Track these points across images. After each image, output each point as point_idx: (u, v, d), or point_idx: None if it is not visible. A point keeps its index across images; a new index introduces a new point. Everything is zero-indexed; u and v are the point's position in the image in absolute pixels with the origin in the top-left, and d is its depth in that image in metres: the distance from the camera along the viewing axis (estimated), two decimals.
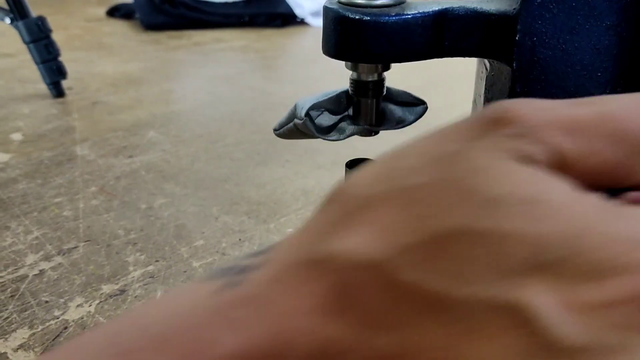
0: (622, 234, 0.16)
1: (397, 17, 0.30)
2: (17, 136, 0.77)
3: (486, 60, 0.35)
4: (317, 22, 1.69)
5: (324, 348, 0.17)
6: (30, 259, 0.51)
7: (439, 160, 0.18)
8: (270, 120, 0.89)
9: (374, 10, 0.30)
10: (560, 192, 0.17)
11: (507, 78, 0.31)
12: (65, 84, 0.95)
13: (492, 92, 0.34)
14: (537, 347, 0.16)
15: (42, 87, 0.94)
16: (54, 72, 0.92)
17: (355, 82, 0.33)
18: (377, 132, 0.35)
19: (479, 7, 0.31)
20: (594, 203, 0.17)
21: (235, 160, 0.68)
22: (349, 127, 0.35)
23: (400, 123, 0.34)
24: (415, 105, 0.35)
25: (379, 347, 0.17)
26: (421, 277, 0.17)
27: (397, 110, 0.35)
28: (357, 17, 0.29)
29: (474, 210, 0.17)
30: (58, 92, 0.94)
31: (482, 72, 0.37)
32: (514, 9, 0.30)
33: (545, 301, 0.15)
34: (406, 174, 0.18)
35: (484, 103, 0.35)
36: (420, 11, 0.30)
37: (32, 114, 0.86)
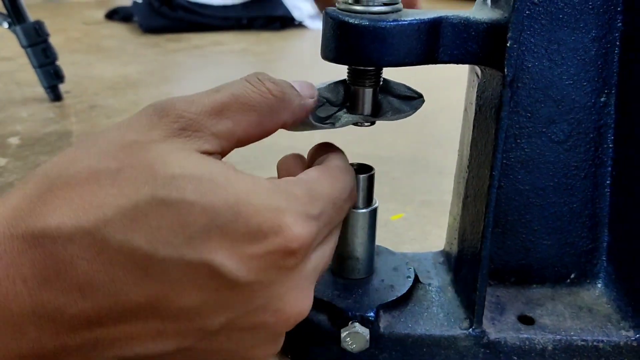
0: (266, 204, 0.23)
1: (394, 23, 0.30)
2: (14, 140, 0.78)
3: (478, 68, 0.35)
4: (316, 25, 1.69)
5: (36, 310, 0.21)
6: None
7: (124, 147, 0.23)
8: None
9: (373, 16, 0.30)
10: (222, 171, 0.23)
11: (498, 85, 0.32)
12: (63, 87, 0.95)
13: (483, 99, 0.35)
14: (223, 287, 0.23)
15: (40, 90, 0.95)
16: (51, 76, 0.92)
17: (352, 71, 0.34)
18: (373, 123, 0.35)
19: (472, 16, 0.32)
20: (247, 180, 0.24)
21: (235, 165, 0.68)
22: (344, 116, 0.35)
23: (397, 114, 0.34)
24: (412, 98, 0.35)
25: (90, 306, 0.22)
26: (128, 240, 0.21)
27: (394, 102, 0.35)
28: (356, 22, 0.30)
29: (162, 185, 0.22)
30: (55, 95, 0.94)
31: (473, 81, 0.37)
32: (505, 17, 0.30)
33: (222, 255, 0.22)
34: (99, 158, 0.23)
35: (476, 111, 0.36)
36: (417, 18, 0.31)
37: (30, 117, 0.86)
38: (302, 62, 1.33)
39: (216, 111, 0.25)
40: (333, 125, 0.34)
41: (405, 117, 0.35)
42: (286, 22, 1.65)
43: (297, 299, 0.26)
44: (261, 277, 0.23)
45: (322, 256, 0.28)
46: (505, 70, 0.31)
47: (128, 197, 0.22)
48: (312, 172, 0.28)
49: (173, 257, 0.22)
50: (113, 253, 0.22)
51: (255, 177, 0.25)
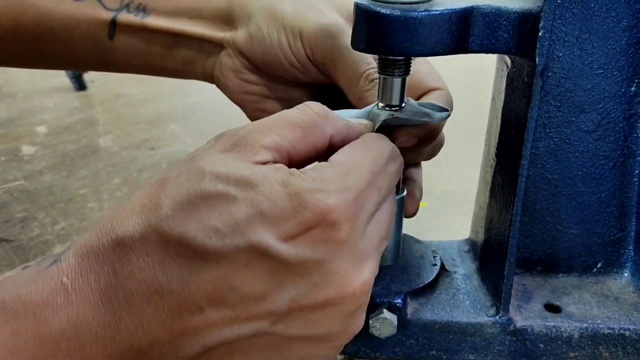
0: (298, 189, 0.25)
1: (425, 13, 0.30)
2: (42, 129, 0.79)
3: (507, 58, 0.36)
4: None
5: (99, 330, 0.25)
6: (58, 249, 0.52)
7: (186, 161, 0.27)
8: None
9: (404, 6, 0.31)
10: (263, 170, 0.26)
11: (529, 74, 0.32)
12: (87, 77, 0.96)
13: (512, 88, 0.35)
14: (277, 267, 0.25)
15: (65, 80, 0.96)
16: None
17: (382, 61, 0.34)
18: (398, 122, 0.35)
19: (503, 5, 0.32)
20: (283, 173, 0.26)
21: None
22: (381, 112, 0.34)
23: (426, 117, 0.35)
24: (441, 109, 0.36)
25: (154, 310, 0.25)
26: (186, 232, 0.24)
27: (424, 106, 0.36)
28: (387, 12, 0.30)
29: (209, 181, 0.25)
30: (80, 85, 0.95)
31: (502, 70, 0.37)
32: (538, 6, 0.30)
33: (267, 237, 0.24)
34: (166, 171, 0.27)
35: (505, 100, 0.36)
36: (448, 8, 0.31)
37: (56, 107, 0.88)
38: None
39: (266, 129, 0.28)
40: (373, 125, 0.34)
41: (433, 121, 0.35)
42: None
43: (356, 271, 0.26)
44: (309, 253, 0.25)
45: (377, 224, 0.28)
46: (537, 59, 0.31)
47: (182, 193, 0.25)
48: (343, 150, 0.29)
49: (225, 245, 0.24)
50: (175, 245, 0.25)
51: (291, 170, 0.27)
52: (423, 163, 0.71)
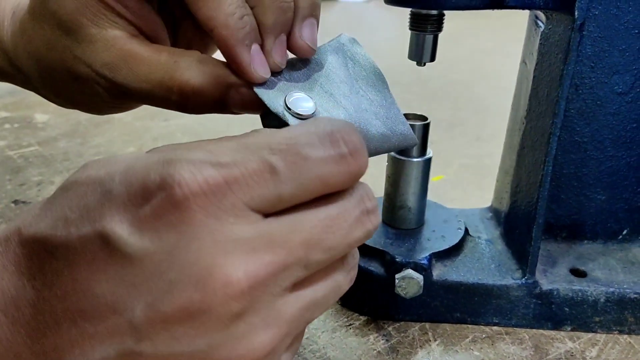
0: (155, 160, 0.20)
1: None
2: None
3: (542, 15, 0.35)
4: None
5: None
6: None
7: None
8: None
9: None
10: (132, 154, 0.21)
11: (566, 30, 0.31)
12: None
13: (547, 46, 0.34)
14: (123, 261, 0.19)
15: None
16: None
17: (414, 15, 0.33)
18: None
19: None
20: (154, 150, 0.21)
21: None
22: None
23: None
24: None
25: (10, 327, 0.20)
26: (36, 231, 0.20)
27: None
28: None
29: (74, 173, 0.21)
30: None
31: (534, 30, 0.37)
32: None
33: (113, 221, 0.19)
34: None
35: (537, 59, 0.35)
36: None
37: None
38: (333, 33, 1.32)
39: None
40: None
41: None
42: None
43: (224, 265, 0.19)
44: (157, 241, 0.19)
45: (287, 226, 0.20)
46: (576, 13, 0.30)
47: (54, 194, 0.22)
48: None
49: (70, 235, 0.20)
50: (30, 244, 0.20)
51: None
52: (438, 139, 0.71)
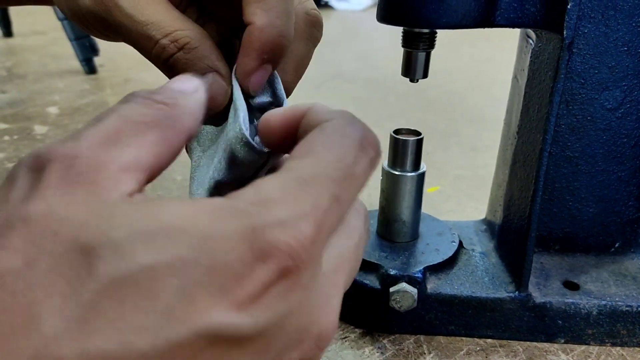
0: (237, 228, 0.17)
1: None
2: (53, 109, 0.79)
3: (532, 33, 0.36)
4: (341, 5, 1.69)
5: None
6: None
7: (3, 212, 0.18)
8: (299, 101, 0.90)
9: None
10: (163, 211, 0.17)
11: (555, 48, 0.32)
12: (96, 61, 0.97)
13: (537, 63, 0.35)
14: (237, 350, 0.17)
15: (75, 63, 0.96)
16: (87, 49, 0.94)
17: (407, 34, 0.34)
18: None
19: None
20: (198, 207, 0.18)
21: None
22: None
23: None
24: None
25: None
26: (84, 350, 0.15)
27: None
28: None
29: (105, 262, 0.16)
30: (90, 68, 0.95)
31: (525, 47, 0.37)
32: None
33: (216, 314, 0.16)
34: None
35: (528, 76, 0.36)
36: None
37: (67, 88, 0.88)
38: (328, 41, 1.33)
39: (110, 141, 0.19)
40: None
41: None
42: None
43: (328, 307, 0.20)
44: (271, 315, 0.18)
45: (339, 248, 0.21)
46: (565, 32, 0.31)
47: (63, 294, 0.16)
48: (294, 157, 0.21)
49: (157, 346, 0.16)
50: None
51: (203, 200, 0.18)
52: (433, 150, 0.72)
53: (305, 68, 0.31)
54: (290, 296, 0.18)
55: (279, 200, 0.18)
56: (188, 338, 0.16)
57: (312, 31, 0.29)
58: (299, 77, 0.31)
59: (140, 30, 0.27)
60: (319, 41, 0.30)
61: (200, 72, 0.27)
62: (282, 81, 0.28)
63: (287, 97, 0.29)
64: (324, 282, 0.20)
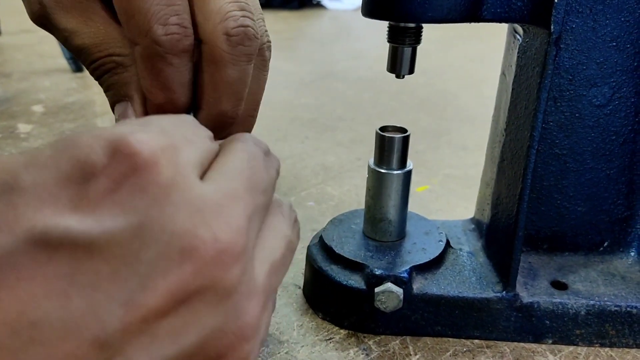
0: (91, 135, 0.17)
1: None
2: (38, 108, 0.78)
3: (519, 28, 0.35)
4: (334, 5, 1.68)
5: None
6: None
7: None
8: (290, 98, 0.89)
9: None
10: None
11: (543, 44, 0.31)
12: None
13: (524, 59, 0.34)
14: (80, 255, 0.15)
15: (62, 62, 0.95)
16: None
17: (392, 28, 0.33)
18: None
19: None
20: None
21: (256, 135, 0.68)
22: None
23: None
24: None
25: None
26: None
27: None
28: None
29: None
30: (77, 67, 0.94)
31: (512, 42, 0.37)
32: None
33: (52, 216, 0.15)
34: None
35: (516, 72, 0.35)
36: None
37: (53, 87, 0.86)
38: (321, 40, 1.33)
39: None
40: None
41: None
42: (304, 1, 1.64)
43: (209, 227, 0.17)
44: (121, 216, 0.16)
45: (232, 165, 0.20)
46: (552, 27, 0.30)
47: None
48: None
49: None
50: None
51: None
52: (423, 149, 0.71)
53: (246, 88, 0.28)
54: (145, 197, 0.16)
55: (154, 120, 0.19)
56: (17, 246, 0.15)
57: (240, 50, 0.26)
58: (240, 101, 0.28)
59: (74, 50, 0.28)
60: (252, 55, 0.26)
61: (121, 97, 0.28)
62: (220, 111, 0.28)
63: (250, 126, 0.32)
64: (208, 190, 0.18)
